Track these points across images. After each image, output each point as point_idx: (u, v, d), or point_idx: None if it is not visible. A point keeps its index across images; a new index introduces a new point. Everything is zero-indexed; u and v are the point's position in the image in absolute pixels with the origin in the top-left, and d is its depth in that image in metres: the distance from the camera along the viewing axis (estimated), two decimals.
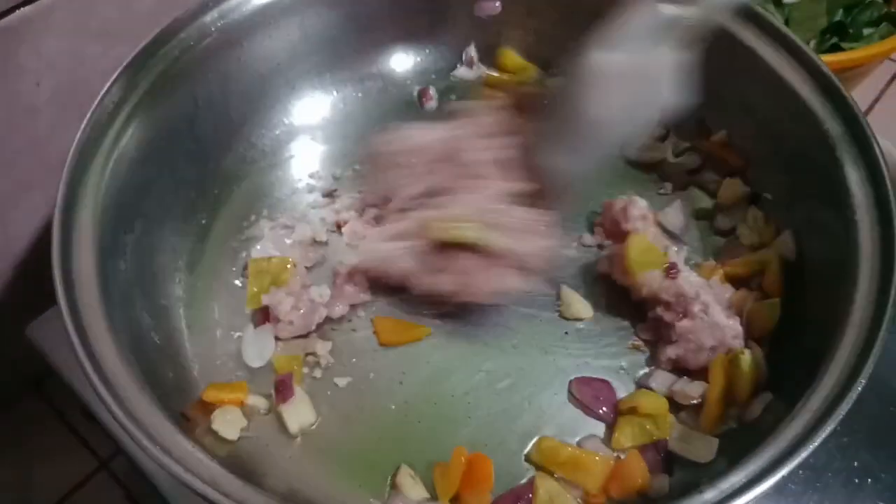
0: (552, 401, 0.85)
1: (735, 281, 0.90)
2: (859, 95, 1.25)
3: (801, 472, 0.83)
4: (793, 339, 0.83)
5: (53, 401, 1.15)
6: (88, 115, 0.81)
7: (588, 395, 0.84)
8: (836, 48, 1.17)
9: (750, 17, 0.90)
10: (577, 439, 0.82)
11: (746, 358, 0.80)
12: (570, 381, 0.85)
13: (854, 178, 0.80)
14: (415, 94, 1.08)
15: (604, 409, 0.84)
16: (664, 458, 0.80)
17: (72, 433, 1.13)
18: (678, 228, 0.95)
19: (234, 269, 0.93)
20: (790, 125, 0.88)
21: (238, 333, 0.88)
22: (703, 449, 0.78)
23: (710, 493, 0.61)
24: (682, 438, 0.80)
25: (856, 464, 0.84)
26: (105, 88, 0.83)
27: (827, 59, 1.04)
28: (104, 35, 0.93)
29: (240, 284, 0.92)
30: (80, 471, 1.12)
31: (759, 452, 0.64)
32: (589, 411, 0.84)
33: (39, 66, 0.89)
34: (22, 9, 0.83)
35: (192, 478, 0.64)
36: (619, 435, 0.81)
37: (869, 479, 0.84)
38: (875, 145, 0.80)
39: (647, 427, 0.81)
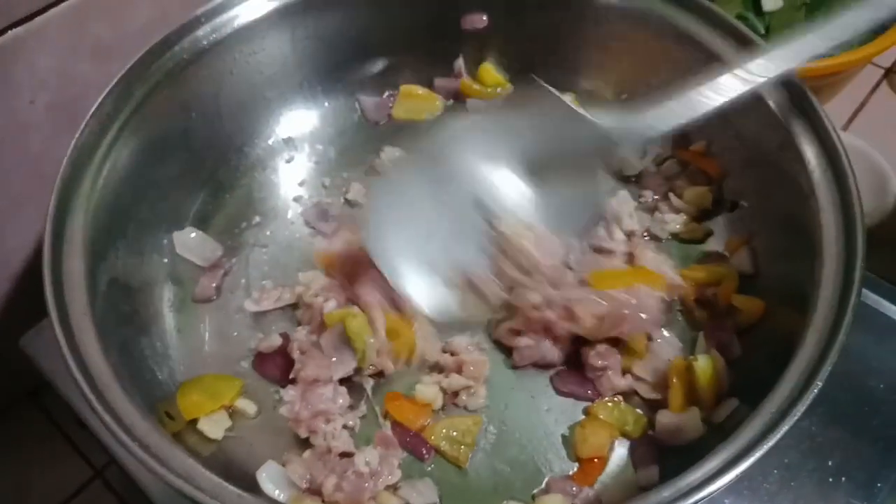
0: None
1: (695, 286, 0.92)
2: (843, 101, 1.27)
3: (775, 471, 0.84)
4: (759, 343, 0.84)
5: (48, 410, 1.16)
6: (83, 126, 0.83)
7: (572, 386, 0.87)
8: None
9: (723, 26, 0.92)
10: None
11: (701, 365, 0.82)
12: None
13: (821, 185, 0.81)
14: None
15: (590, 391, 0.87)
16: (655, 451, 0.82)
17: (67, 442, 1.15)
18: None
19: (225, 275, 0.96)
20: (763, 134, 0.89)
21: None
22: (692, 427, 0.81)
23: (668, 491, 0.63)
24: (666, 431, 0.82)
25: (830, 463, 0.85)
26: (99, 100, 0.85)
27: (807, 66, 1.05)
28: (96, 53, 0.95)
29: (229, 289, 0.95)
30: (76, 479, 1.13)
31: (717, 452, 0.65)
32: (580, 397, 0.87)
33: (33, 84, 0.91)
34: (15, 29, 0.85)
35: (182, 482, 0.66)
36: (597, 407, 0.85)
37: (843, 478, 0.84)
38: (842, 152, 0.81)
39: (628, 417, 0.84)
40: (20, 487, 1.12)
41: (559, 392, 0.87)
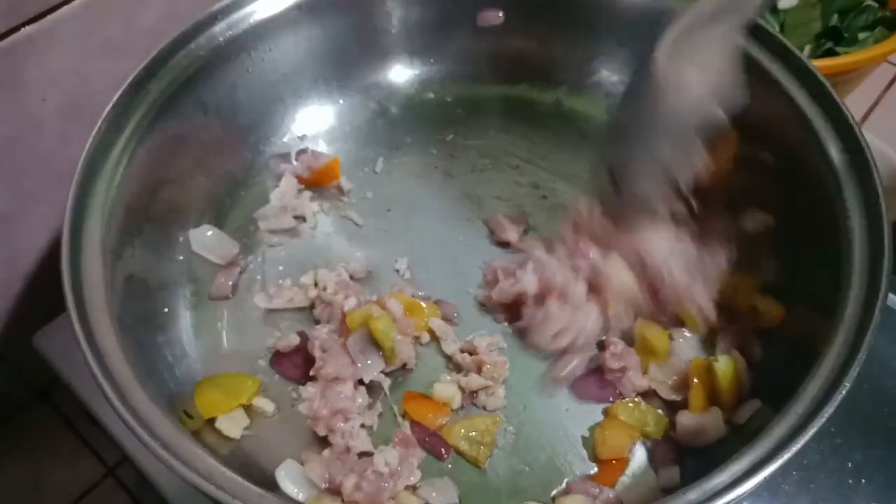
0: None
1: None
2: (857, 99, 1.27)
3: (794, 472, 0.84)
4: (782, 344, 0.83)
5: (61, 409, 1.16)
6: (99, 123, 0.83)
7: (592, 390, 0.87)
8: (831, 53, 1.17)
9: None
10: None
11: (721, 365, 0.81)
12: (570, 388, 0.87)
13: (847, 185, 0.80)
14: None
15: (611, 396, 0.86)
16: (675, 452, 0.82)
17: (79, 440, 1.15)
18: None
19: (242, 272, 0.96)
20: (786, 134, 0.88)
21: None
22: (713, 428, 0.80)
23: (694, 494, 0.62)
24: (687, 432, 0.81)
25: (849, 464, 0.85)
26: (116, 97, 0.85)
27: (822, 64, 1.05)
28: (107, 51, 0.95)
29: (245, 287, 0.95)
30: (88, 477, 1.13)
31: (743, 454, 0.65)
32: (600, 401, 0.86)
33: (44, 82, 0.91)
34: (26, 27, 0.85)
35: (203, 481, 0.65)
36: (617, 407, 0.84)
37: (862, 480, 0.84)
38: (868, 152, 0.81)
39: (648, 418, 0.83)
40: (33, 485, 1.12)
41: (579, 397, 0.87)
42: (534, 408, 0.86)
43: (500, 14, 1.06)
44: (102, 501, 1.13)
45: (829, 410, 0.64)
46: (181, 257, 0.93)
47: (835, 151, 0.82)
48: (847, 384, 0.66)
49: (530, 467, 0.82)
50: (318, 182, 1.02)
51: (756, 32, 0.90)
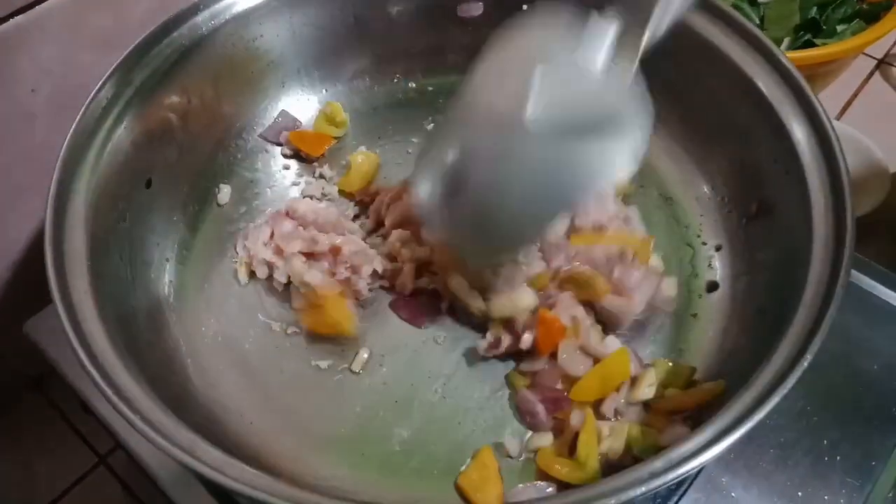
0: None
1: None
2: (836, 92, 1.29)
3: (771, 450, 0.85)
4: (751, 322, 0.85)
5: (53, 398, 1.17)
6: (82, 110, 0.84)
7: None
8: (809, 45, 1.19)
9: (717, 14, 0.92)
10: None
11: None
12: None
13: (811, 165, 0.82)
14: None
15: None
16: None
17: (71, 429, 1.16)
18: None
19: (223, 256, 0.97)
20: (753, 117, 0.90)
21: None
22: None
23: (660, 462, 0.64)
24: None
25: (825, 442, 0.86)
26: (99, 84, 0.86)
27: (800, 55, 1.07)
28: (98, 42, 0.96)
29: (228, 271, 0.96)
30: (80, 466, 1.14)
31: (708, 425, 0.66)
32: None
33: (34, 73, 0.92)
34: (16, 17, 0.87)
35: (188, 457, 0.66)
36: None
37: (837, 457, 0.85)
38: (831, 131, 0.82)
39: None
40: (25, 475, 1.13)
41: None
42: None
43: (481, 5, 1.07)
44: (94, 490, 1.13)
45: (790, 382, 0.66)
46: (165, 240, 0.95)
47: (800, 134, 0.83)
48: (809, 356, 0.67)
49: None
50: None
51: (729, 21, 0.92)
